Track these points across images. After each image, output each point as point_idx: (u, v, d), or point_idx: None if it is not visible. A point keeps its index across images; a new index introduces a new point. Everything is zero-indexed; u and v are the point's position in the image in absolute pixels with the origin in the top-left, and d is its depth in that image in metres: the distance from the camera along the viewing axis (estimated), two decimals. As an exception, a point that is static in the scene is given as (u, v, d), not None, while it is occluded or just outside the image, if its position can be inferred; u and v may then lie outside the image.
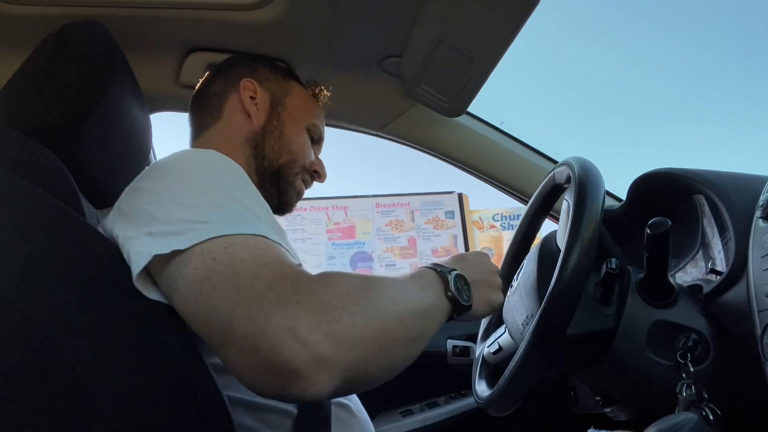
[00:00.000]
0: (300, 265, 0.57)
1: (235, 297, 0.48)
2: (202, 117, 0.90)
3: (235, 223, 0.53)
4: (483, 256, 0.75)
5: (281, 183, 0.89)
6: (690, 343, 0.65)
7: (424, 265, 0.67)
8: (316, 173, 0.95)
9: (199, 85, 0.95)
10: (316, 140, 0.97)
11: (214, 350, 0.50)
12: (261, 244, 0.52)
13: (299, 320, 0.46)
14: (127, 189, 0.63)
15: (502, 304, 0.75)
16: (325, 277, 0.52)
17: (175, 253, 0.51)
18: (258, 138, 0.88)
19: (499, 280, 0.74)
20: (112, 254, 0.53)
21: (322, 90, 1.01)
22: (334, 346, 0.47)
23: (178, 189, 0.57)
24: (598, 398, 0.83)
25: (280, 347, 0.45)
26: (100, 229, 0.63)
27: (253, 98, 0.89)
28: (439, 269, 0.64)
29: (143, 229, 0.54)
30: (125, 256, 0.54)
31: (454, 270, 0.64)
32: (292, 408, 0.66)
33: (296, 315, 0.47)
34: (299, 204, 0.96)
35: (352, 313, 0.50)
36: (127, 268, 0.52)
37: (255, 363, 0.46)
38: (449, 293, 0.62)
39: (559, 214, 0.84)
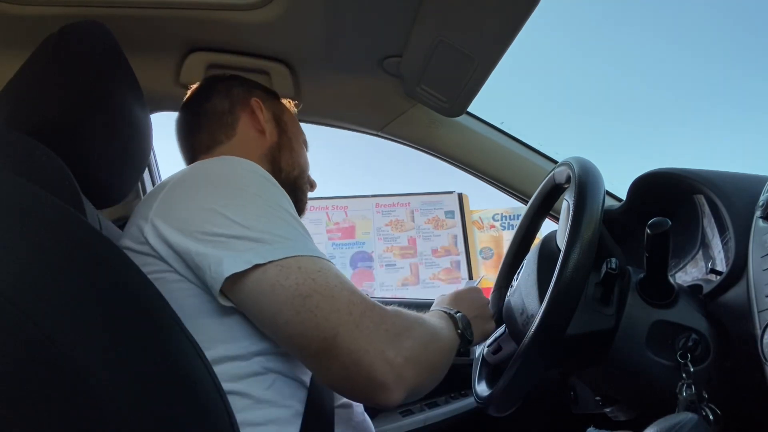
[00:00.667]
0: None
1: (337, 317, 0.58)
2: (212, 134, 0.91)
3: (313, 246, 0.64)
4: (475, 292, 0.90)
5: (297, 192, 0.96)
6: (690, 343, 0.65)
7: (433, 308, 0.84)
8: (309, 183, 1.02)
9: (195, 103, 0.95)
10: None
11: (305, 357, 0.61)
12: (338, 270, 0.64)
13: (388, 345, 0.60)
14: (167, 194, 0.68)
15: (494, 331, 0.90)
16: (398, 312, 0.66)
17: (269, 261, 0.60)
18: (274, 153, 0.93)
19: (490, 311, 0.89)
20: (113, 254, 0.53)
21: (291, 102, 1.08)
22: (410, 369, 0.61)
23: (250, 198, 0.65)
24: (598, 398, 0.83)
25: (375, 364, 0.58)
26: (122, 235, 0.66)
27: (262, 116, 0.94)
28: (447, 311, 0.80)
29: (222, 231, 0.61)
30: (194, 253, 0.61)
31: (459, 312, 0.80)
32: (297, 405, 0.67)
33: (386, 340, 0.60)
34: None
35: (418, 344, 0.64)
36: (128, 267, 0.53)
37: (353, 375, 0.58)
38: (459, 331, 0.78)
39: (559, 214, 0.84)
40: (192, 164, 0.75)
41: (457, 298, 0.88)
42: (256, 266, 0.59)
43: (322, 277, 0.60)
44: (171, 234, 0.63)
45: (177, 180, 0.69)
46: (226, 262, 0.59)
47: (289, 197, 0.70)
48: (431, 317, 0.76)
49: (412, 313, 0.70)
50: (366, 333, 0.59)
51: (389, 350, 0.60)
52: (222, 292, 0.61)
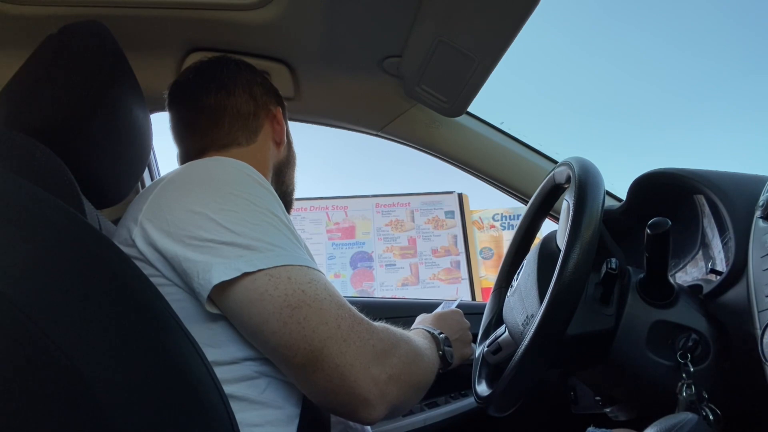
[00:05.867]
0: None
1: (325, 331, 0.58)
2: (231, 132, 0.86)
3: (304, 255, 0.63)
4: (458, 315, 0.91)
5: (287, 208, 0.94)
6: (690, 343, 0.65)
7: (415, 327, 0.85)
8: None
9: (213, 94, 0.87)
10: None
11: (289, 367, 0.60)
12: (328, 282, 0.63)
13: (374, 361, 0.61)
14: (157, 196, 0.66)
15: (472, 355, 0.91)
16: (385, 328, 0.67)
17: (259, 270, 0.59)
18: (283, 168, 0.93)
19: (470, 335, 0.91)
20: (113, 254, 0.53)
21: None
22: (393, 387, 0.62)
23: (242, 203, 0.64)
24: (598, 398, 0.83)
25: (360, 380, 0.59)
26: (112, 236, 0.65)
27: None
28: (431, 332, 0.81)
29: (211, 236, 0.60)
30: (182, 259, 0.60)
31: (442, 333, 0.82)
32: (294, 406, 0.66)
33: (372, 356, 0.61)
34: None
35: (403, 362, 0.65)
36: (128, 268, 0.52)
37: (336, 388, 0.59)
38: (440, 352, 0.79)
39: (559, 214, 0.84)
40: (185, 164, 0.72)
41: (440, 319, 0.89)
42: (245, 274, 0.58)
43: (311, 289, 0.60)
44: (159, 238, 0.62)
45: (168, 181, 0.68)
46: (215, 270, 0.58)
47: (281, 203, 0.69)
48: (416, 336, 0.77)
49: (399, 330, 0.70)
50: (353, 348, 0.59)
51: (375, 367, 0.60)
52: (209, 298, 0.60)
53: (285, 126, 0.94)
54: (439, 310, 0.95)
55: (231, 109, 0.87)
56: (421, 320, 0.90)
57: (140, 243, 0.63)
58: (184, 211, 0.63)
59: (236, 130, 0.87)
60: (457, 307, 1.00)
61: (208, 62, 0.93)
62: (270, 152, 0.90)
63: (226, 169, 0.68)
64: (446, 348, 0.81)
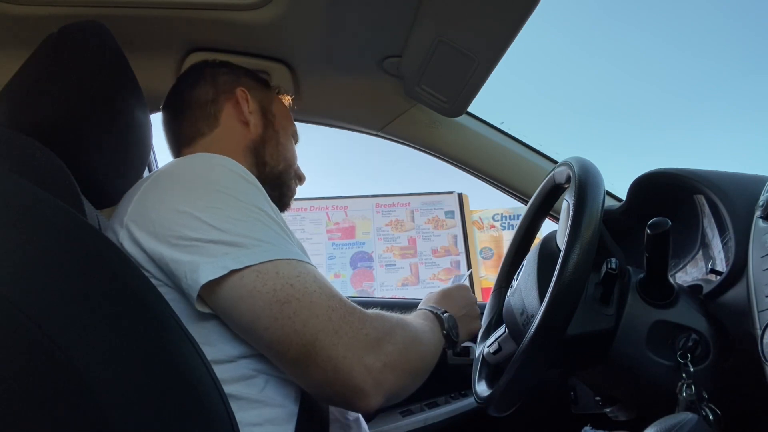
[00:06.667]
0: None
1: (315, 324, 0.58)
2: (194, 124, 0.88)
3: (292, 248, 0.63)
4: (464, 290, 0.91)
5: (282, 188, 0.93)
6: (690, 343, 0.65)
7: (421, 307, 0.84)
8: (298, 177, 0.98)
9: (180, 92, 0.92)
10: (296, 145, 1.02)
11: (284, 363, 0.60)
12: (318, 274, 0.63)
13: (367, 351, 0.60)
14: (141, 196, 0.65)
15: (480, 329, 0.91)
16: (379, 316, 0.66)
17: (246, 267, 0.58)
18: (258, 146, 0.90)
19: (477, 310, 0.90)
20: (113, 254, 0.53)
21: (286, 96, 1.03)
22: (389, 374, 0.61)
23: (226, 199, 0.63)
24: (598, 398, 0.83)
25: (354, 371, 0.59)
26: (111, 233, 0.65)
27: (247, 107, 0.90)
28: (434, 311, 0.81)
29: (197, 235, 0.59)
30: (168, 259, 0.59)
31: (446, 312, 0.81)
32: (292, 404, 0.66)
33: (365, 346, 0.60)
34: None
35: (398, 349, 0.64)
36: (128, 268, 0.53)
37: (331, 380, 0.59)
38: (444, 332, 0.79)
39: (559, 214, 0.84)
40: (168, 163, 0.72)
41: (445, 296, 0.88)
42: (233, 272, 0.58)
43: (300, 282, 0.59)
44: (145, 239, 0.61)
45: (151, 181, 0.67)
46: (202, 269, 0.58)
47: (267, 196, 0.68)
48: (415, 318, 0.76)
49: (394, 315, 0.69)
50: (345, 339, 0.59)
51: (368, 356, 0.60)
52: (199, 298, 0.59)
53: (253, 104, 0.90)
54: (448, 285, 0.95)
55: (191, 101, 0.89)
56: (427, 299, 0.90)
57: (127, 245, 0.62)
58: (168, 210, 0.62)
59: (197, 120, 0.88)
60: (467, 278, 1.01)
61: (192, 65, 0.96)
62: (238, 134, 0.88)
63: (207, 165, 0.67)
64: (451, 326, 0.80)
